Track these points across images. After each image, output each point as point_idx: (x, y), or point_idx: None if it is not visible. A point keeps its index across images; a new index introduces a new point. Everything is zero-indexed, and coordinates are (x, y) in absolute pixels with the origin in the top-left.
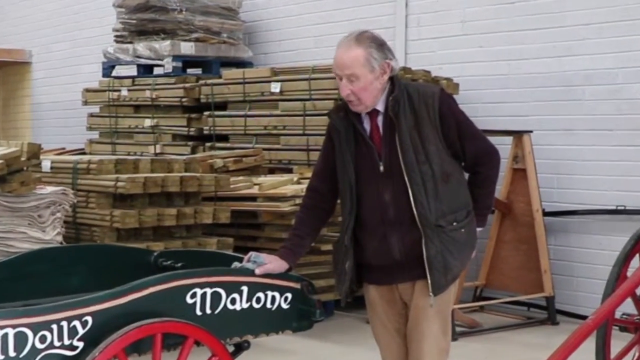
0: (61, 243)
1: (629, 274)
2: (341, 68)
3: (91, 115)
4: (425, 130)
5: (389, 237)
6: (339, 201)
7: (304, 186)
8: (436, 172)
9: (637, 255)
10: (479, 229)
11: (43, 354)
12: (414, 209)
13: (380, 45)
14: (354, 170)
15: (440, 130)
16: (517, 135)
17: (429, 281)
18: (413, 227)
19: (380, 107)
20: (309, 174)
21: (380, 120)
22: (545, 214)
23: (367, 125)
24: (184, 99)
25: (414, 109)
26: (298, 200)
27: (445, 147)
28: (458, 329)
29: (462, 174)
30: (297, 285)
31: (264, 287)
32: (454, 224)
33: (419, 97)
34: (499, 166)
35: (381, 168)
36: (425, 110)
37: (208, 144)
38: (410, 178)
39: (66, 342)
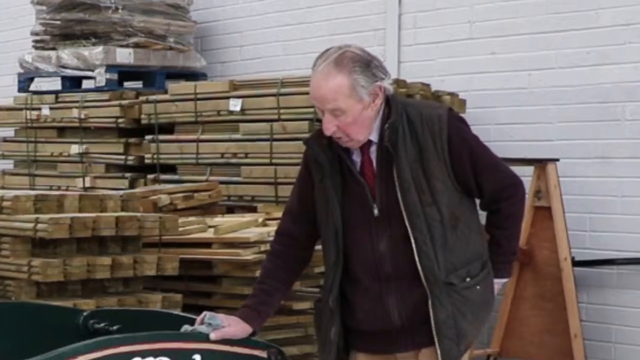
0: None
1: None
2: (321, 102)
3: (4, 140)
4: (430, 163)
5: (386, 297)
6: (317, 247)
7: (271, 229)
8: (445, 215)
9: None
10: (503, 281)
11: None
12: (417, 263)
13: (366, 66)
14: (340, 213)
15: (449, 164)
16: (540, 164)
17: (438, 351)
18: (416, 284)
19: (373, 136)
20: (278, 214)
21: (373, 151)
22: (576, 263)
23: (357, 157)
24: (120, 120)
25: (416, 137)
26: (264, 247)
27: (456, 184)
28: None
29: (473, 215)
30: (264, 354)
31: (222, 356)
32: (467, 279)
33: (422, 122)
34: (525, 200)
35: (375, 211)
36: (431, 138)
37: (150, 176)
38: (412, 224)
39: None
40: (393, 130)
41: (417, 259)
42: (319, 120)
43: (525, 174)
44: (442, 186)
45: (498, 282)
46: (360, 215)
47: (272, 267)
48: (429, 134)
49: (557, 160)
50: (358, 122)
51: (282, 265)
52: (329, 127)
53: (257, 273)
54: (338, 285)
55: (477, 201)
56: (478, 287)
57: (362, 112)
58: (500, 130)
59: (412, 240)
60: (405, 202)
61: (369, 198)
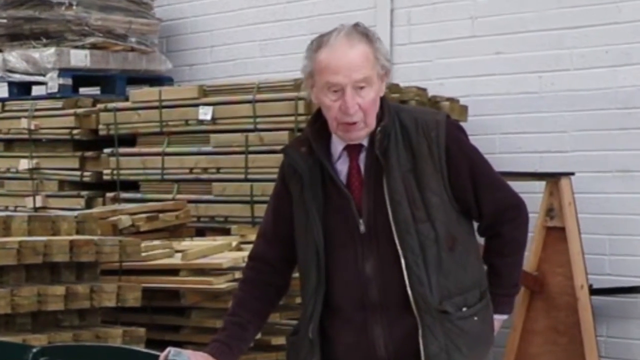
0: None
1: None
2: (347, 72)
3: None
4: (425, 174)
5: (371, 327)
6: (295, 274)
7: (246, 254)
8: (440, 234)
9: None
10: (504, 317)
11: None
12: (407, 287)
13: (380, 41)
14: (322, 230)
15: (446, 175)
16: (552, 179)
17: None
18: (405, 312)
19: (364, 140)
20: (254, 236)
21: (362, 159)
22: (594, 291)
23: (342, 166)
24: (75, 131)
25: (410, 144)
26: (238, 274)
27: (453, 200)
28: None
29: (471, 237)
30: None
31: None
32: (464, 309)
33: (417, 127)
34: (528, 224)
35: (361, 228)
36: (427, 146)
37: (110, 194)
38: (403, 242)
39: None
40: (385, 135)
41: (407, 282)
42: (300, 130)
43: (536, 189)
44: (438, 200)
45: (498, 319)
46: (343, 232)
47: (245, 296)
48: (424, 140)
49: (572, 174)
50: (375, 104)
51: (257, 295)
52: (353, 105)
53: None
54: (319, 313)
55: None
56: (475, 317)
57: (378, 93)
58: (507, 141)
59: (402, 261)
60: (395, 217)
61: (354, 212)
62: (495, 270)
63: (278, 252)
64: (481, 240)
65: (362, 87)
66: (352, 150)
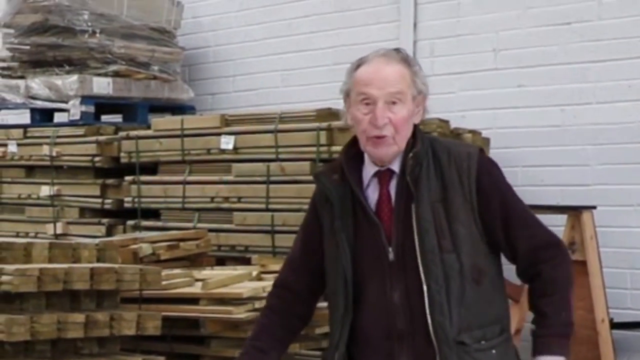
0: None
1: None
2: (381, 85)
3: None
4: (454, 205)
5: (397, 357)
6: (319, 304)
7: (267, 284)
8: (465, 266)
9: None
10: (555, 359)
11: None
12: (427, 315)
13: (420, 69)
14: (350, 258)
15: (477, 209)
16: (574, 212)
17: None
18: (429, 343)
19: (395, 165)
20: (275, 267)
21: (393, 186)
22: (615, 325)
23: (372, 194)
24: (96, 158)
25: (441, 174)
26: (258, 304)
27: (482, 233)
28: None
29: (499, 274)
30: None
31: None
32: (482, 342)
33: (449, 158)
34: (570, 263)
35: (391, 256)
36: (457, 177)
37: (131, 222)
38: (427, 271)
39: None
40: (417, 162)
41: (427, 310)
42: (323, 160)
43: (558, 223)
44: (466, 232)
45: None
46: (373, 261)
47: (268, 322)
48: (455, 171)
49: (594, 207)
50: (407, 125)
51: (279, 322)
52: (382, 116)
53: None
54: (345, 342)
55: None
56: (494, 351)
57: (411, 114)
58: (529, 174)
59: (425, 289)
60: (422, 246)
61: (383, 241)
62: (539, 310)
63: (304, 282)
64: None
65: (394, 103)
66: (383, 176)
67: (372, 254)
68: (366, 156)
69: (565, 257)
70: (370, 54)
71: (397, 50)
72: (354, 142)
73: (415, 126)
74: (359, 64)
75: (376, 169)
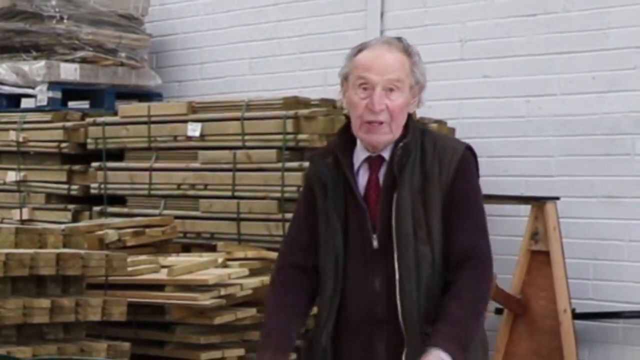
0: None
1: None
2: (381, 71)
3: None
4: (432, 198)
5: (376, 343)
6: None
7: (233, 271)
8: (437, 259)
9: None
10: (439, 353)
11: None
12: (398, 303)
13: (420, 60)
14: (342, 240)
15: (446, 200)
16: (538, 203)
17: None
18: (401, 330)
19: (386, 153)
20: (241, 254)
21: (382, 173)
22: (576, 316)
23: (362, 178)
24: (63, 144)
25: (424, 166)
26: (224, 291)
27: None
28: None
29: None
30: None
31: None
32: None
33: (434, 151)
34: (489, 284)
35: (374, 243)
36: (438, 170)
37: (97, 208)
38: (400, 259)
39: None
40: (405, 153)
41: (398, 297)
42: (289, 149)
43: (521, 213)
44: (440, 225)
45: (435, 354)
46: (359, 246)
47: (280, 295)
48: (437, 164)
49: (558, 198)
50: (403, 113)
51: (293, 292)
52: (380, 102)
53: (216, 320)
54: (333, 322)
55: None
56: None
57: (407, 102)
58: (494, 164)
59: (397, 277)
60: (397, 231)
61: (368, 226)
62: (447, 309)
63: (312, 259)
64: None
65: (392, 90)
66: (374, 163)
67: (358, 241)
68: (358, 141)
69: (489, 276)
70: (372, 40)
71: (399, 39)
72: (347, 127)
73: (409, 116)
74: (360, 49)
75: (367, 154)
